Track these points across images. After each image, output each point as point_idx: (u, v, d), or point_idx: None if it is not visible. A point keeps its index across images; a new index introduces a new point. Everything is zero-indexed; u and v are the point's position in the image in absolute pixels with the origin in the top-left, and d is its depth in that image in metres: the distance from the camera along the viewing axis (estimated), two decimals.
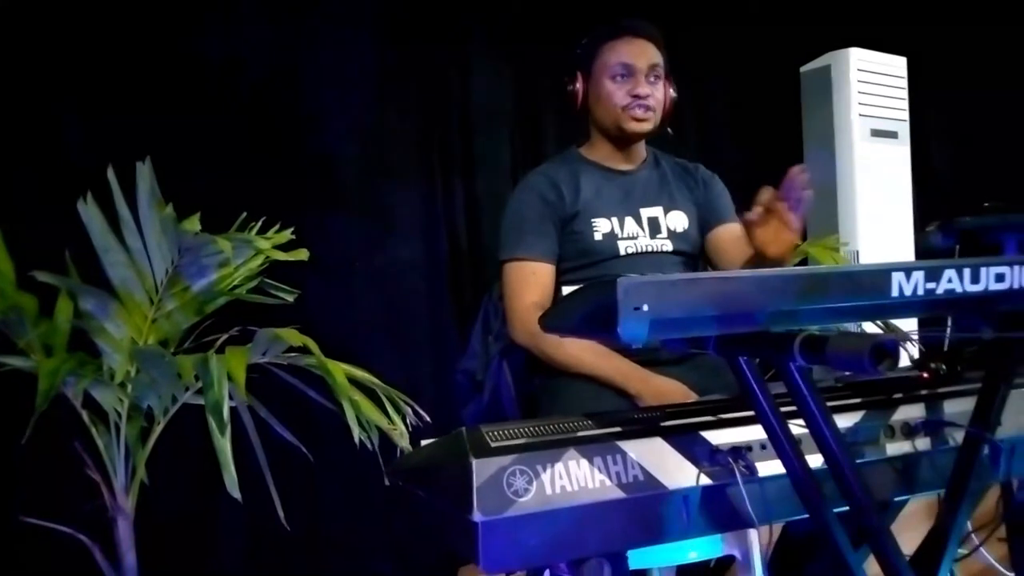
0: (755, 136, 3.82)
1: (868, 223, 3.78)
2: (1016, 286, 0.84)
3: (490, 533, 0.80)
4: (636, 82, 1.64)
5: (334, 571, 2.38)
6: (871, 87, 3.85)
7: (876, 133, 3.90)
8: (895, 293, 0.79)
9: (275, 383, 1.64)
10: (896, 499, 1.11)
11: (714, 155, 3.63)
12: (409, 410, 1.58)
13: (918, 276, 0.80)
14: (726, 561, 1.68)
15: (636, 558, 1.50)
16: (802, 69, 3.91)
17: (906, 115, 4.00)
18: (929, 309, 0.84)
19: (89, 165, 1.62)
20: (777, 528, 1.48)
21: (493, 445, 0.85)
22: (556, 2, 2.99)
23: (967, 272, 0.82)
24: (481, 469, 0.82)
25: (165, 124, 2.12)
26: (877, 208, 3.83)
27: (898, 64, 3.96)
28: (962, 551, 1.27)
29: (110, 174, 1.54)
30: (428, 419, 1.57)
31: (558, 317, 0.85)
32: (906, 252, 3.81)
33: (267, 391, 1.63)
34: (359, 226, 2.53)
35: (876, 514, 0.83)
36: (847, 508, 0.87)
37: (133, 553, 1.60)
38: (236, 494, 1.44)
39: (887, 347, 0.70)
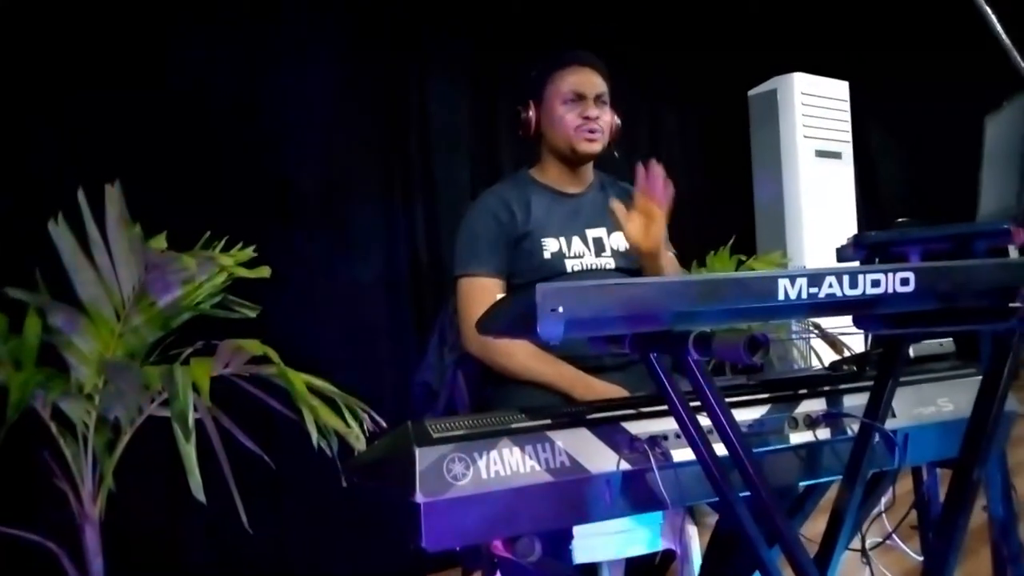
0: (705, 157, 3.97)
1: (814, 240, 3.95)
2: (891, 291, 0.97)
3: (431, 513, 0.90)
4: (586, 106, 1.77)
5: None
6: (815, 110, 4.03)
7: (821, 154, 4.06)
8: (781, 297, 0.90)
9: (238, 397, 1.69)
10: (802, 484, 1.23)
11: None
12: (366, 416, 1.66)
13: (802, 282, 0.91)
14: (671, 555, 1.79)
15: (584, 553, 1.60)
16: (750, 93, 4.08)
17: (849, 136, 4.18)
18: (813, 311, 0.96)
19: (59, 186, 1.67)
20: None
21: (435, 436, 0.96)
22: (512, 26, 3.12)
23: (846, 278, 0.94)
24: (423, 456, 0.92)
25: (132, 144, 2.18)
26: (823, 225, 4.00)
27: (841, 88, 4.14)
28: (876, 539, 1.39)
29: (80, 196, 1.60)
30: (384, 424, 1.66)
31: (490, 320, 0.96)
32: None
33: (231, 404, 1.68)
34: (321, 244, 2.59)
35: (768, 492, 0.94)
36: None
37: (100, 559, 1.64)
38: (201, 497, 1.50)
39: (759, 340, 0.82)
